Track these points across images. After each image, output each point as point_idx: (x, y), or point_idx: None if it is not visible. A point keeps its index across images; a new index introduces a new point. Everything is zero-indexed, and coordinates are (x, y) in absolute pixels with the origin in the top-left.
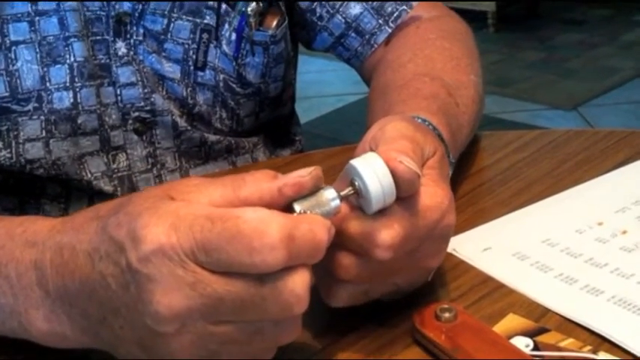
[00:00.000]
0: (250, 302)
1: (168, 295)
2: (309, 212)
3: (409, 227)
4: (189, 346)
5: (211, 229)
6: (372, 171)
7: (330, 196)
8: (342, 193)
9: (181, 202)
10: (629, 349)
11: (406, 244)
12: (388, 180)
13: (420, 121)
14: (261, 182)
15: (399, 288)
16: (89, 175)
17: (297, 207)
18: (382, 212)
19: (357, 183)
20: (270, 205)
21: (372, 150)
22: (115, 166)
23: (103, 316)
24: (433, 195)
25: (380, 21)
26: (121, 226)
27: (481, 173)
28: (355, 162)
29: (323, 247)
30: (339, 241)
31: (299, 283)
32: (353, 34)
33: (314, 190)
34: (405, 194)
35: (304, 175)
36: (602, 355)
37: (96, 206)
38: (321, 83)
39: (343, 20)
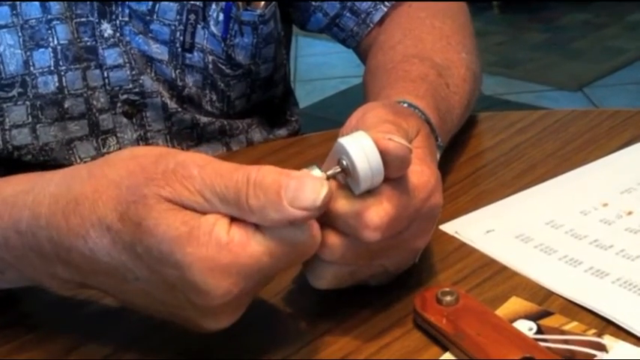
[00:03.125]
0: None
1: (225, 316)
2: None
3: (398, 207)
4: None
5: (275, 265)
6: (360, 149)
7: (316, 175)
8: (329, 173)
9: (230, 240)
10: (634, 332)
11: (395, 224)
12: (376, 158)
13: (406, 105)
14: (268, 210)
15: (386, 270)
16: (79, 161)
17: None
18: (370, 192)
19: (344, 161)
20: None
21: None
22: (105, 150)
23: (115, 285)
24: (420, 174)
25: None
26: (168, 266)
27: (484, 154)
28: (343, 140)
29: None
30: (325, 220)
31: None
32: (348, 14)
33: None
34: (398, 173)
35: (313, 210)
36: (607, 338)
37: (93, 199)
38: (324, 66)
39: (338, 0)
